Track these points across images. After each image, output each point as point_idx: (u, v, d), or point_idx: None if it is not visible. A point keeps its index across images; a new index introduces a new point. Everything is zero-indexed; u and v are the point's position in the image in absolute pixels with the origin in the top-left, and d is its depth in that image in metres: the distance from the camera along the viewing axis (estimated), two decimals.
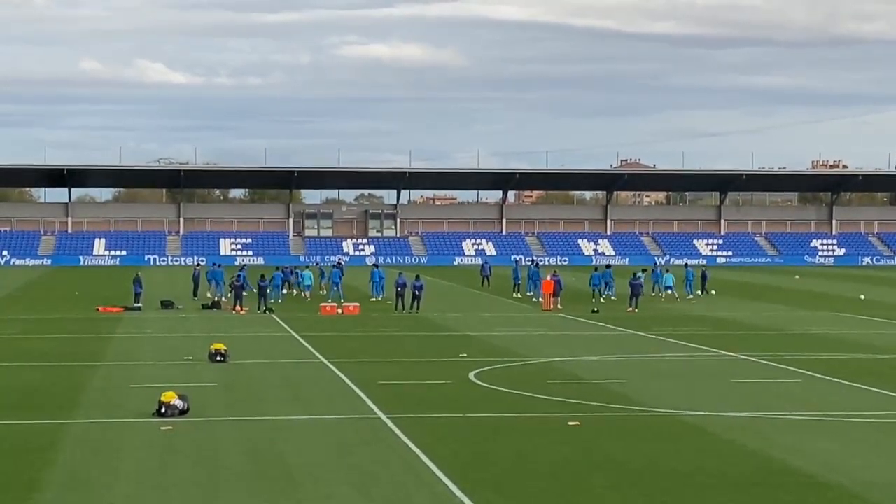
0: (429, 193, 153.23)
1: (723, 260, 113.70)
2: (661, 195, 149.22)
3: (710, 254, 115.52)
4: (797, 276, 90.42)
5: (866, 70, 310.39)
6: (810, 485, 21.23)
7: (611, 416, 28.06)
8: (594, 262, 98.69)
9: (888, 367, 37.57)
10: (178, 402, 27.35)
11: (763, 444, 24.54)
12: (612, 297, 63.68)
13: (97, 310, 57.09)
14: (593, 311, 57.33)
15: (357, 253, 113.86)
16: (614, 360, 38.90)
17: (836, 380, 34.28)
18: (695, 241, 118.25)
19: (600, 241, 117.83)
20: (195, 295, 64.74)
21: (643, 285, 60.24)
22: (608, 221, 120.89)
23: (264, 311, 56.35)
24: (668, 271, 69.70)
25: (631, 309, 57.43)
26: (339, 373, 34.99)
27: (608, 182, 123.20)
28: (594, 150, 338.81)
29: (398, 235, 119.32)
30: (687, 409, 29.00)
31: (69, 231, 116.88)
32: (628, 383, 33.39)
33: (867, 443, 25.01)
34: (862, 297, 67.83)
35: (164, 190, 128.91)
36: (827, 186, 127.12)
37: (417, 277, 59.16)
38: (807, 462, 22.91)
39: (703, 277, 69.56)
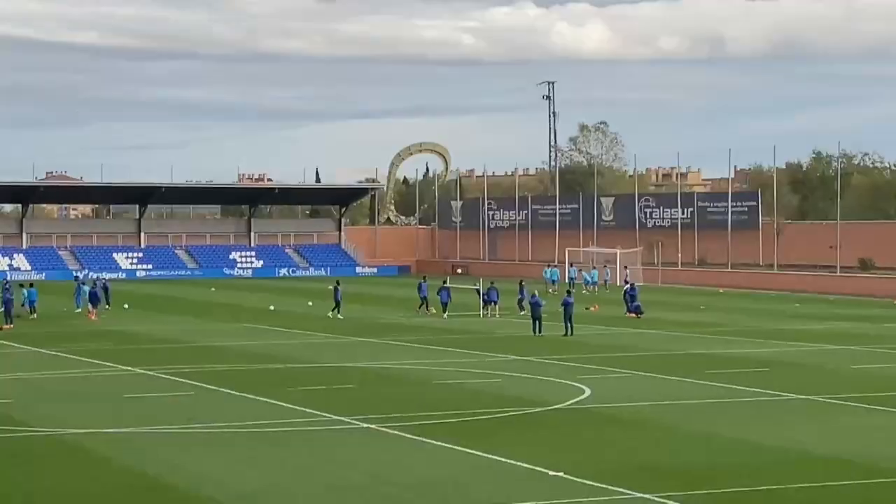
0: None
1: (143, 273, 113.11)
2: (88, 209, 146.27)
3: (130, 267, 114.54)
4: (213, 289, 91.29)
5: (286, 86, 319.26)
6: (181, 499, 21.29)
7: None
8: (8, 277, 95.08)
9: (279, 376, 38.47)
10: None
11: (140, 460, 24.41)
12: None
13: None
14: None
15: None
16: (7, 380, 37.53)
17: (226, 391, 34.73)
18: (115, 255, 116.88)
19: (16, 255, 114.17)
20: None
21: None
22: (24, 235, 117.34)
23: None
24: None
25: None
26: None
27: (25, 194, 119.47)
28: (18, 162, 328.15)
29: None
30: (71, 427, 28.40)
31: None
32: (15, 403, 32.33)
33: (245, 453, 25.42)
34: (272, 307, 69.41)
35: None
36: (247, 199, 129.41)
37: None
38: (181, 476, 22.98)
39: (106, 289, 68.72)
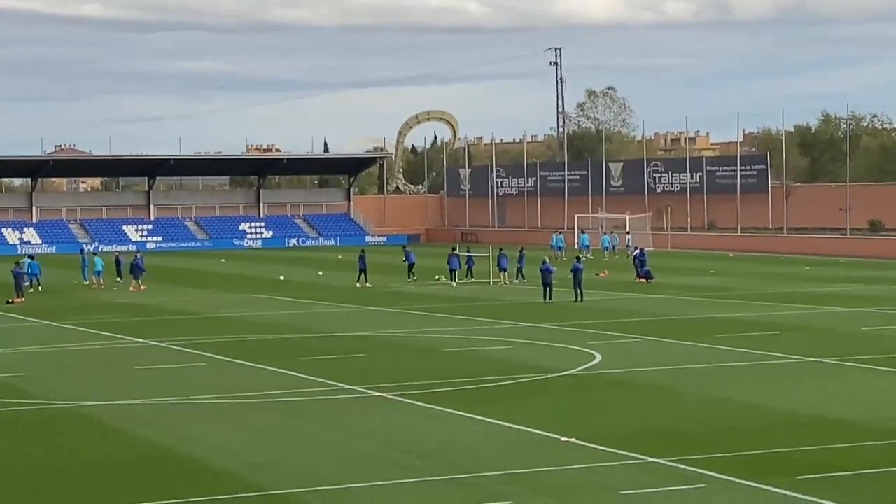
0: None
1: (153, 245, 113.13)
2: (98, 182, 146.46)
3: (140, 239, 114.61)
4: (223, 260, 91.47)
5: (294, 56, 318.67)
6: (193, 470, 21.39)
7: (4, 412, 27.23)
8: (19, 252, 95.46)
9: (290, 346, 38.64)
10: None
11: (153, 431, 24.56)
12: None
13: None
14: (8, 302, 55.44)
15: None
16: (20, 353, 37.72)
17: (238, 361, 34.88)
18: (124, 227, 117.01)
19: (26, 229, 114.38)
20: None
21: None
22: (34, 209, 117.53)
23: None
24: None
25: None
26: None
27: (34, 168, 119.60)
28: (26, 136, 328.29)
29: None
30: (84, 399, 28.56)
31: None
32: (29, 376, 32.51)
33: (258, 423, 25.55)
34: (282, 277, 69.47)
35: None
36: (256, 170, 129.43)
37: None
38: (194, 447, 23.09)
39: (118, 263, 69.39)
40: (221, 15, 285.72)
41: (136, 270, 63.65)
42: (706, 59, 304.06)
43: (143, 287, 62.32)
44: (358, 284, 62.50)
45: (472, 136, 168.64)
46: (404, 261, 66.95)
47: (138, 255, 67.43)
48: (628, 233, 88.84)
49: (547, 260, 54.87)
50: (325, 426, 25.08)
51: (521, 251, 64.93)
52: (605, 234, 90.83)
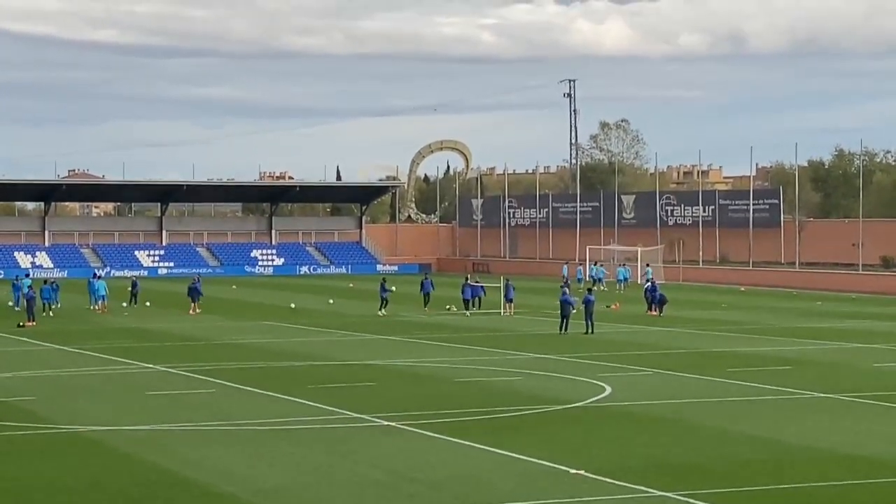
0: None
1: (164, 271, 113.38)
2: (110, 206, 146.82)
3: (151, 265, 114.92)
4: (234, 287, 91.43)
5: (306, 84, 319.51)
6: (201, 496, 21.35)
7: (13, 436, 27.16)
8: (31, 276, 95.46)
9: (300, 373, 38.56)
10: None
11: (161, 457, 24.49)
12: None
13: None
14: (19, 326, 55.57)
15: None
16: (28, 377, 37.72)
17: (249, 388, 34.79)
18: (136, 253, 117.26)
19: (38, 253, 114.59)
20: None
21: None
22: (46, 233, 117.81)
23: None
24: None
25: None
26: None
27: (47, 192, 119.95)
28: (40, 160, 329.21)
29: None
30: (93, 424, 28.53)
31: None
32: (38, 400, 32.50)
33: (266, 450, 25.45)
34: (293, 305, 69.39)
35: None
36: (268, 197, 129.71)
37: None
38: (203, 473, 23.03)
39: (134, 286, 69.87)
40: (236, 42, 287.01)
41: (193, 293, 65.10)
42: (720, 92, 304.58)
43: (198, 310, 63.63)
44: (380, 313, 62.32)
45: (485, 167, 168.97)
46: (423, 282, 67.10)
47: (197, 279, 67.97)
48: (648, 265, 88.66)
49: (567, 291, 54.82)
50: (334, 454, 25.00)
51: (565, 282, 64.11)
52: (620, 266, 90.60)
